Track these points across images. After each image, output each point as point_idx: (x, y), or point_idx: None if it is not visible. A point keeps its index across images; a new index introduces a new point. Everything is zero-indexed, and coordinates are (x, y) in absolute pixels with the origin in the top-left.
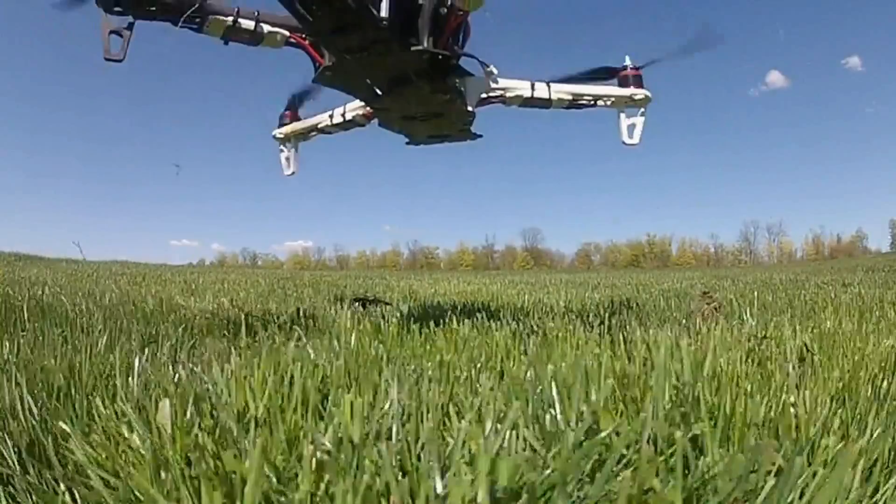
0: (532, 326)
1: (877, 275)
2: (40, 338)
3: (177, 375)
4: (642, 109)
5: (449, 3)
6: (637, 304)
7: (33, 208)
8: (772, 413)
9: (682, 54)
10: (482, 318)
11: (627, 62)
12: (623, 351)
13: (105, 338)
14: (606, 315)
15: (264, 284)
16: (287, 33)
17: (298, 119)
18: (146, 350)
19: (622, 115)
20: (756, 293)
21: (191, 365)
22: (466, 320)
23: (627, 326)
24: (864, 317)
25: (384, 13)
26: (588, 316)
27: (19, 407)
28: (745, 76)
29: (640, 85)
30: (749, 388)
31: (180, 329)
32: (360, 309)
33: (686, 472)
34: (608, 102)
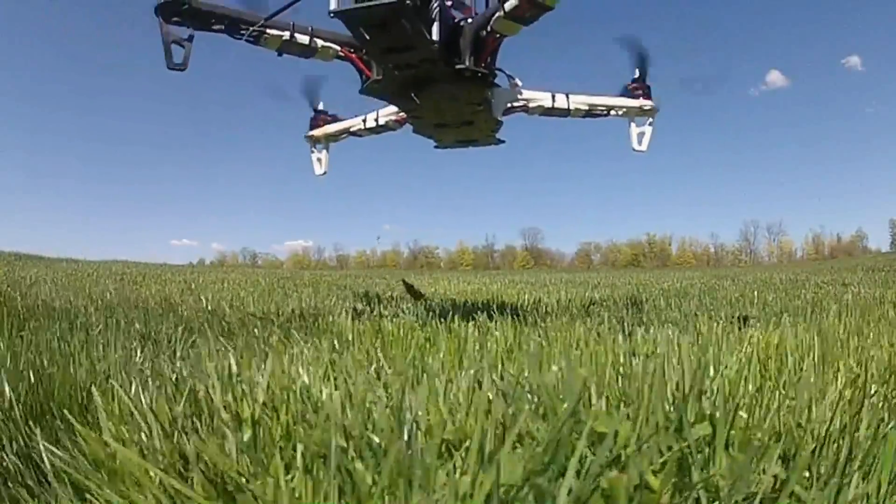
0: (532, 326)
1: (877, 274)
2: (39, 337)
3: (175, 376)
4: (650, 119)
5: (489, 27)
6: (637, 304)
7: (33, 208)
8: (775, 415)
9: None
10: (483, 317)
11: (638, 75)
12: (623, 350)
13: (104, 337)
14: (606, 315)
15: (264, 284)
16: (338, 48)
17: (328, 122)
18: (145, 349)
19: (632, 125)
20: (756, 292)
21: (189, 365)
22: (466, 320)
23: (628, 326)
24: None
25: (435, 36)
26: (588, 315)
27: (16, 406)
28: (745, 76)
29: (648, 97)
30: (752, 390)
31: (179, 329)
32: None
33: (685, 473)
34: (620, 112)
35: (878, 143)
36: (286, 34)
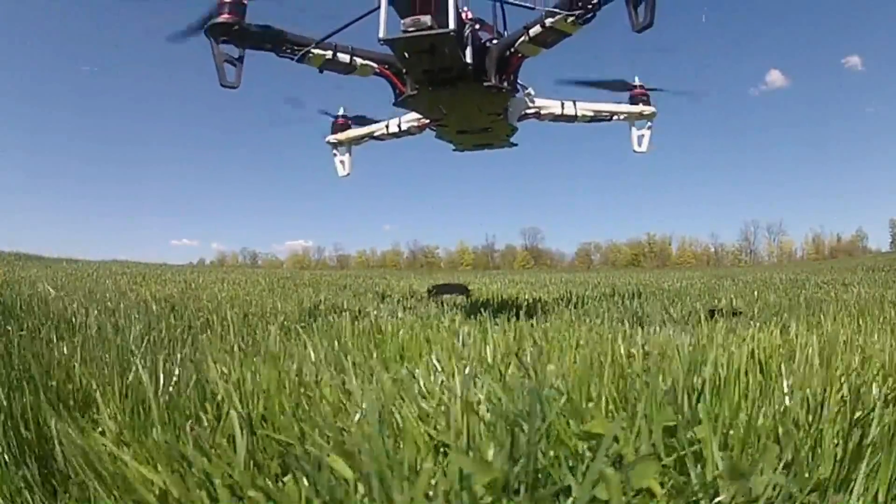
0: (532, 325)
1: (877, 274)
2: (38, 337)
3: (175, 377)
4: (649, 123)
5: (513, 49)
6: (637, 304)
7: (33, 208)
8: (773, 416)
9: (680, 93)
10: (485, 315)
11: (637, 82)
12: (623, 350)
13: (103, 338)
14: (606, 316)
15: (264, 284)
16: (376, 66)
17: (349, 126)
18: (144, 349)
19: (633, 128)
20: (756, 292)
21: (189, 364)
22: (467, 319)
23: (628, 326)
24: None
25: (469, 59)
26: (587, 315)
27: (12, 405)
28: (745, 76)
29: (647, 102)
30: (750, 390)
31: (179, 329)
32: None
33: (685, 476)
34: (622, 117)
35: (878, 143)
36: (329, 53)
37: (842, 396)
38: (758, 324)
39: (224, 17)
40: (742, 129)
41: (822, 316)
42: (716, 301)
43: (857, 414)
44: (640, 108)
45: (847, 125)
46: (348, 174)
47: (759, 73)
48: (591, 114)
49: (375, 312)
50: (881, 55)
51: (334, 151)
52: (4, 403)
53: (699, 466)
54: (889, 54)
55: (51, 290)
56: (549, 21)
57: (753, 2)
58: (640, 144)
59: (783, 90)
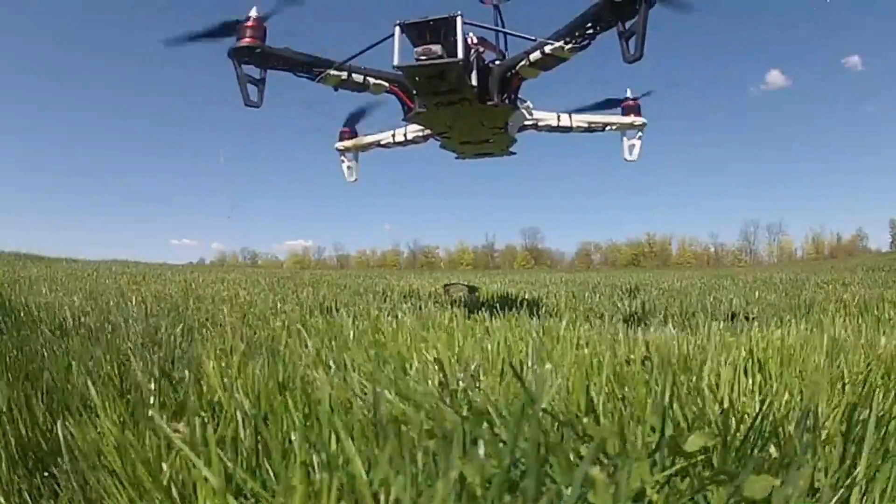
0: (532, 324)
1: (877, 274)
2: (38, 338)
3: (174, 377)
4: (640, 133)
5: (514, 70)
6: (637, 303)
7: (33, 208)
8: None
9: (668, 87)
10: (484, 314)
11: (629, 94)
12: (623, 349)
13: (104, 337)
14: (606, 315)
15: (264, 283)
16: (387, 85)
17: (356, 134)
18: (143, 348)
19: (624, 138)
20: (757, 293)
21: (188, 364)
22: (467, 318)
23: (628, 325)
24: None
25: (474, 82)
26: (588, 314)
27: (13, 406)
28: (745, 75)
29: (638, 113)
30: (749, 391)
31: (179, 328)
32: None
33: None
34: (614, 127)
35: (878, 143)
36: (344, 74)
37: (842, 396)
38: (757, 323)
39: (247, 41)
40: (742, 129)
41: (821, 316)
42: (717, 301)
43: (857, 414)
44: (631, 118)
45: (847, 125)
46: (356, 180)
47: (759, 73)
48: (585, 125)
49: (376, 311)
50: (881, 55)
51: (342, 158)
52: (5, 404)
53: (695, 468)
54: (889, 54)
55: (49, 290)
56: (548, 48)
57: (753, 2)
58: (630, 154)
59: (783, 90)
